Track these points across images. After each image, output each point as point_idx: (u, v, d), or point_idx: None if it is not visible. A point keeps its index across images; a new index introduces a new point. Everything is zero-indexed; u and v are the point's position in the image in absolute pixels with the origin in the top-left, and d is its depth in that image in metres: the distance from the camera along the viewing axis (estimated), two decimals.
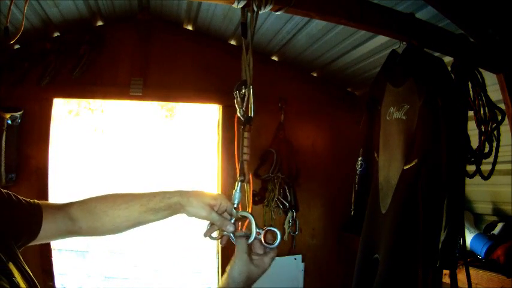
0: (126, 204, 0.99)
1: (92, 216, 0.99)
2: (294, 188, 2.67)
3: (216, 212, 0.98)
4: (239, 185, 1.02)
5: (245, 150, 1.02)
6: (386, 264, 1.26)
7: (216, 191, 2.63)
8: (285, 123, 2.70)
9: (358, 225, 1.49)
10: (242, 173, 1.02)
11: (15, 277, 0.75)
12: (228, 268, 0.92)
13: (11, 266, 0.77)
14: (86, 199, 1.02)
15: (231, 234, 0.98)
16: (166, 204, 0.98)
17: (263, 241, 0.95)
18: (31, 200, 0.95)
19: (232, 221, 0.99)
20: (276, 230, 0.94)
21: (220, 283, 0.93)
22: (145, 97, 2.47)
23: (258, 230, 0.95)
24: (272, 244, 0.95)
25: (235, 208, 1.00)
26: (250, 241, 0.95)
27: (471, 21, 1.41)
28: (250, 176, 1.03)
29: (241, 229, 0.99)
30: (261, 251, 0.95)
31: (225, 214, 0.99)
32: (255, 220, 0.97)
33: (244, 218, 1.00)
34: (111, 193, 1.03)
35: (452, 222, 1.15)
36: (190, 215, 0.99)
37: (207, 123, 3.26)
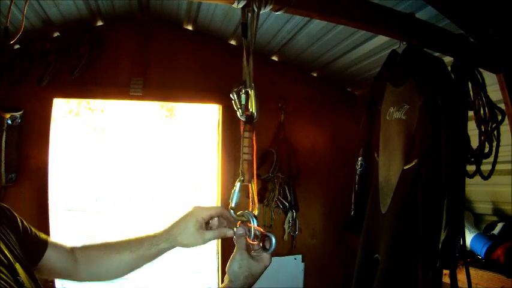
0: (118, 254, 1.02)
1: (89, 262, 1.02)
2: (294, 188, 2.67)
3: (210, 227, 0.99)
4: (238, 185, 1.01)
5: (245, 150, 1.02)
6: (386, 264, 1.26)
7: (216, 191, 2.64)
8: (285, 123, 2.70)
9: (358, 225, 1.49)
10: (242, 173, 1.01)
11: (20, 276, 0.77)
12: (227, 266, 0.93)
13: (18, 266, 0.80)
14: (86, 245, 1.05)
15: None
16: (156, 251, 1.01)
17: (260, 245, 0.95)
18: (41, 234, 0.98)
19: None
20: (272, 237, 0.94)
21: (222, 284, 0.94)
22: (145, 97, 2.47)
23: (257, 233, 0.95)
24: (267, 250, 0.94)
25: (232, 208, 1.00)
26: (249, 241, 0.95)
27: (471, 21, 1.40)
28: (255, 176, 1.02)
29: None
30: (259, 248, 0.95)
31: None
32: (256, 220, 0.96)
33: (243, 217, 0.99)
34: (106, 241, 1.06)
35: (452, 222, 1.15)
36: (188, 247, 1.00)
37: (207, 123, 3.26)
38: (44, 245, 0.96)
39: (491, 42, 1.43)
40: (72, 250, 1.02)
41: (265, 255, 0.93)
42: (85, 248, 1.04)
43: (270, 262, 0.94)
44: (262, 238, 0.95)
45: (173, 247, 1.01)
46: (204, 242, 0.97)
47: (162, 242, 1.00)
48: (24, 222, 0.95)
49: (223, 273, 0.96)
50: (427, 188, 1.19)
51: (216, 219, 1.01)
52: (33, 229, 0.96)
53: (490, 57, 1.44)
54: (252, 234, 0.94)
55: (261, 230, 0.95)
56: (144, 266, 1.05)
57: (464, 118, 1.28)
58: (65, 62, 2.25)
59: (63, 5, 1.95)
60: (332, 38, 2.13)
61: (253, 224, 0.95)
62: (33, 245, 0.93)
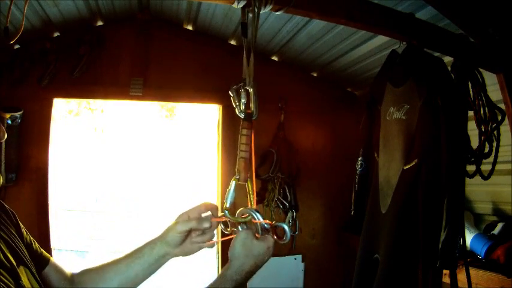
0: (114, 266, 1.03)
1: (85, 283, 1.01)
2: (294, 188, 2.67)
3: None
4: (233, 184, 1.00)
5: (242, 147, 1.01)
6: (386, 264, 1.26)
7: (216, 191, 2.64)
8: (285, 123, 2.70)
9: (358, 225, 1.49)
10: (238, 172, 1.00)
11: (21, 281, 0.77)
12: (229, 249, 0.94)
13: (21, 270, 0.80)
14: (86, 269, 1.05)
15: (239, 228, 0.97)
16: (151, 253, 1.02)
17: (274, 236, 0.95)
18: (44, 251, 0.98)
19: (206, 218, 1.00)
20: (284, 226, 0.94)
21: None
22: (145, 97, 2.47)
23: (266, 227, 0.94)
24: (282, 240, 0.94)
25: (227, 209, 0.98)
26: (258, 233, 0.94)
27: (471, 21, 1.41)
28: (254, 175, 1.01)
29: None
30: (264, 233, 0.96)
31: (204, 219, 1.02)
32: (260, 214, 0.95)
33: (244, 218, 0.97)
34: (108, 261, 1.05)
35: (452, 222, 1.15)
36: (175, 246, 1.01)
37: (207, 123, 3.26)
38: (45, 262, 0.96)
39: (491, 42, 1.43)
40: (71, 276, 1.02)
41: (269, 237, 0.93)
42: (83, 272, 1.04)
43: (273, 244, 0.93)
44: (273, 230, 0.95)
45: (168, 250, 1.02)
46: (178, 232, 1.00)
47: (156, 243, 1.02)
48: (29, 235, 0.95)
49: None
50: (427, 188, 1.19)
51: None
52: (36, 244, 0.96)
53: (490, 57, 1.44)
54: (260, 229, 0.94)
55: (269, 222, 0.95)
56: (143, 275, 1.03)
57: (464, 118, 1.28)
58: (65, 62, 2.25)
59: (63, 5, 1.95)
60: (332, 38, 2.13)
61: (259, 219, 0.94)
62: (33, 260, 0.91)
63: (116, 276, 1.01)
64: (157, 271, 1.05)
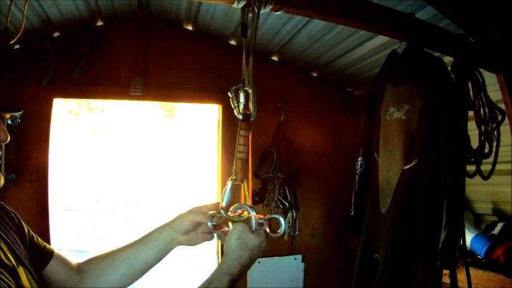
0: (120, 252, 1.06)
1: (92, 272, 1.03)
2: (294, 188, 2.67)
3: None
4: (229, 184, 1.01)
5: (240, 148, 1.02)
6: (386, 264, 1.26)
7: (216, 191, 2.64)
8: (285, 123, 2.70)
9: (358, 225, 1.49)
10: (235, 172, 1.01)
11: (21, 280, 0.78)
12: (225, 243, 0.95)
13: (21, 270, 0.81)
14: (91, 258, 1.07)
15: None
16: (158, 240, 1.05)
17: (267, 230, 0.95)
18: (47, 245, 0.99)
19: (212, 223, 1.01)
20: (279, 218, 0.95)
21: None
22: (145, 97, 2.47)
23: (260, 221, 0.95)
24: (277, 233, 0.95)
25: (223, 208, 0.99)
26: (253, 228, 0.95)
27: (471, 21, 1.41)
28: (250, 175, 1.02)
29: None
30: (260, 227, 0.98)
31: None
32: (254, 210, 0.95)
33: (239, 216, 0.98)
34: (113, 249, 1.07)
35: (452, 222, 1.15)
36: (184, 232, 1.05)
37: (207, 123, 3.26)
38: (49, 255, 0.97)
39: (491, 42, 1.43)
40: (78, 265, 1.04)
41: (261, 231, 0.95)
42: (89, 260, 1.05)
43: (265, 239, 0.95)
44: (268, 223, 0.96)
45: (175, 236, 1.05)
46: (190, 220, 1.04)
47: (165, 228, 1.05)
48: (31, 231, 0.96)
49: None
50: (427, 188, 1.19)
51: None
52: (39, 239, 0.98)
53: (490, 57, 1.44)
54: (254, 223, 0.94)
55: (262, 216, 0.96)
56: (151, 260, 1.06)
57: (464, 118, 1.28)
58: (64, 62, 2.25)
59: (63, 5, 1.95)
60: (332, 38, 2.13)
61: (253, 213, 0.95)
62: (38, 254, 0.93)
63: (123, 261, 1.04)
64: (165, 257, 1.08)
